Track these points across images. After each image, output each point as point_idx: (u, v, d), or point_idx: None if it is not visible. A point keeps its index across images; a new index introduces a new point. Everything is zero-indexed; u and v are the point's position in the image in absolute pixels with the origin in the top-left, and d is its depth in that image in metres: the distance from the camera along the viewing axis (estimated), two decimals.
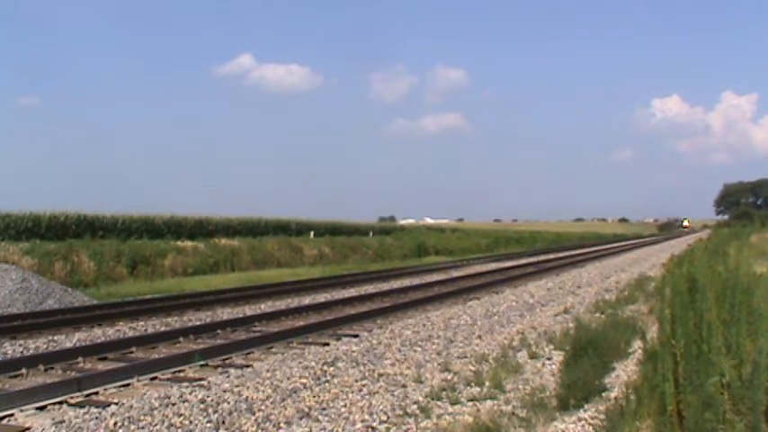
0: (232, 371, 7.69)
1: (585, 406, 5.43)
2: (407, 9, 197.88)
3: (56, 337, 10.20)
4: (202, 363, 8.31)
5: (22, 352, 9.17)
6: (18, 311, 13.26)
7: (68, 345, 9.70)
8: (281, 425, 5.66)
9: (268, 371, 7.43)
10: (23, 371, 7.84)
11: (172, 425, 5.55)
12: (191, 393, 6.41)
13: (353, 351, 8.55)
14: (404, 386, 6.87)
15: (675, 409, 3.87)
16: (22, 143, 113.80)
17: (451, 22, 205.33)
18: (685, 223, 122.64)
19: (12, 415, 6.12)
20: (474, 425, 5.36)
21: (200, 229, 33.01)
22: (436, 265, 28.17)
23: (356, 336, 10.17)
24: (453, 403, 6.15)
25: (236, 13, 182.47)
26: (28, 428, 5.67)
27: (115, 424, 5.51)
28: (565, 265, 26.01)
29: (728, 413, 3.76)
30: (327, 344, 9.49)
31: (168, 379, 7.59)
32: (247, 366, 8.02)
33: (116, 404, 6.16)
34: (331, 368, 7.58)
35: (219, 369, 8.11)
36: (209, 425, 5.59)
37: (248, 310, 13.62)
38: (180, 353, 8.86)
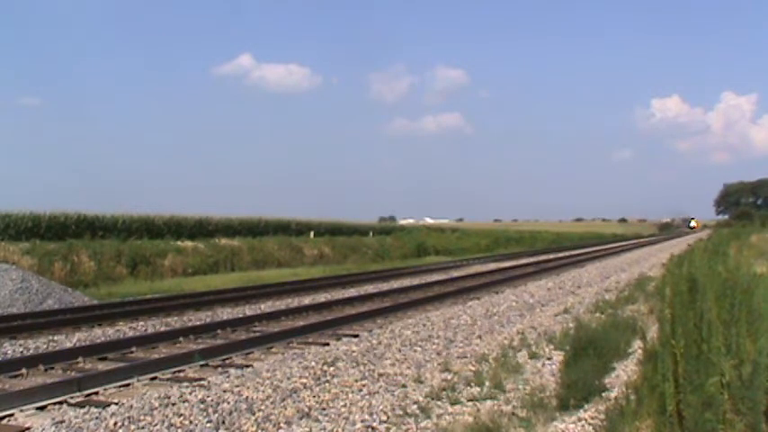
0: (232, 371, 7.69)
1: (585, 406, 5.43)
2: (407, 9, 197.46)
3: (56, 337, 10.20)
4: (202, 363, 8.32)
5: (22, 352, 9.17)
6: (18, 311, 13.26)
7: (68, 345, 9.70)
8: (281, 425, 5.66)
9: (268, 371, 7.43)
10: (23, 371, 7.84)
11: (172, 425, 5.56)
12: (191, 393, 6.41)
13: (353, 351, 8.55)
14: (404, 386, 6.87)
15: (675, 409, 3.87)
16: (22, 143, 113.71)
17: (451, 22, 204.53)
18: (692, 224, 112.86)
19: (12, 415, 6.12)
20: (474, 425, 5.36)
21: (201, 229, 33.09)
22: (436, 265, 28.15)
23: (356, 336, 10.17)
24: (453, 403, 6.15)
25: (236, 13, 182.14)
26: (28, 428, 5.67)
27: (115, 424, 5.51)
28: (565, 265, 26.00)
29: (728, 413, 3.77)
30: (327, 344, 9.49)
31: (168, 379, 7.59)
32: (247, 366, 8.02)
33: (116, 404, 6.16)
34: (331, 368, 7.58)
35: (219, 369, 8.11)
36: (209, 425, 5.59)
37: (248, 310, 13.61)
38: (180, 353, 8.86)
